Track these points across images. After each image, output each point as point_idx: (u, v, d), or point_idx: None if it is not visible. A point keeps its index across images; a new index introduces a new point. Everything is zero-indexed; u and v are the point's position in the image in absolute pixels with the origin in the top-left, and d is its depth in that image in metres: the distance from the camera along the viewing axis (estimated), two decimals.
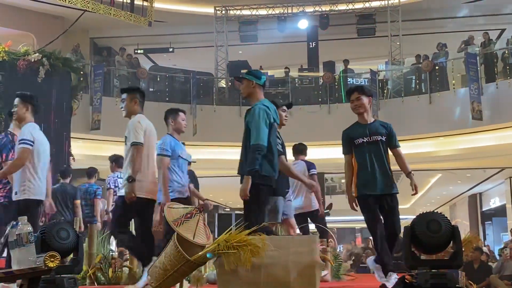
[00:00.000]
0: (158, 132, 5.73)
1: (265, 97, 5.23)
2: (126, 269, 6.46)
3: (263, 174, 4.84)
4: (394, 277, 4.89)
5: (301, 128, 14.06)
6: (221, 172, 18.61)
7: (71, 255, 3.95)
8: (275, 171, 4.99)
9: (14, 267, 2.64)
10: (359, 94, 5.40)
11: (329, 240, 8.30)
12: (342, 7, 18.11)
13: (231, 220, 18.21)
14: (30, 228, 2.68)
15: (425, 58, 16.72)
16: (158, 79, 18.23)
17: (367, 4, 17.99)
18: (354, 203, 5.34)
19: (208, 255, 3.70)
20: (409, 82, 17.17)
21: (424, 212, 3.91)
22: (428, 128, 15.80)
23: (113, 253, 7.27)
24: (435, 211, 3.95)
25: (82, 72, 13.44)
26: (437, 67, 16.44)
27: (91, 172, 9.95)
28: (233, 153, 16.64)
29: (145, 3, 13.93)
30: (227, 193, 24.16)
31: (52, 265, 2.52)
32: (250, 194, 4.74)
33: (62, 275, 3.90)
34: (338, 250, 7.06)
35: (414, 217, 3.92)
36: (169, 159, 5.97)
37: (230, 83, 18.02)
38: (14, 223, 2.72)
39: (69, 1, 12.14)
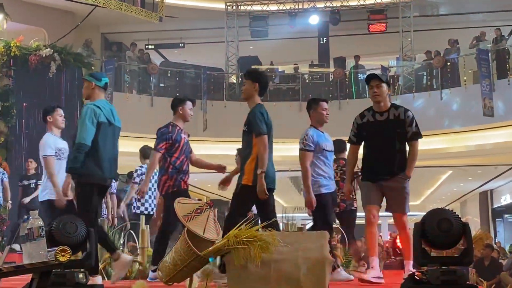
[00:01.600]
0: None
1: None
2: (136, 264, 6.49)
3: (87, 173, 4.98)
4: None
5: None
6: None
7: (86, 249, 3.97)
8: (103, 170, 5.07)
9: (26, 261, 2.66)
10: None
11: (339, 236, 8.30)
12: (353, 2, 18.03)
13: None
14: (41, 223, 2.69)
15: (437, 54, 16.63)
16: (169, 75, 18.26)
17: (378, 0, 17.91)
18: None
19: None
20: (420, 78, 17.10)
21: (435, 208, 3.90)
22: (439, 124, 15.72)
23: (123, 248, 7.31)
24: (446, 207, 3.94)
25: (93, 67, 13.50)
26: (448, 63, 16.35)
27: None
28: None
29: None
30: None
31: (63, 259, 2.53)
32: (77, 192, 4.97)
33: (73, 269, 3.93)
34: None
35: (425, 213, 3.92)
36: (311, 153, 5.84)
37: (240, 79, 18.01)
38: (26, 217, 2.73)
39: None
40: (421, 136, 5.29)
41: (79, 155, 4.94)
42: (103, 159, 5.07)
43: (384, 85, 5.28)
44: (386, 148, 5.22)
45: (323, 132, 6.07)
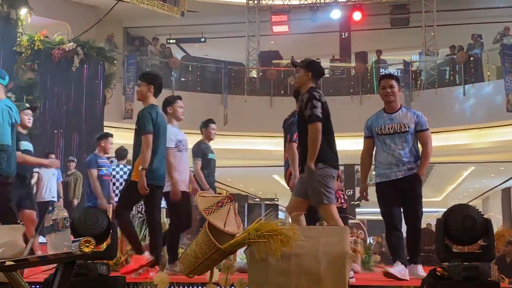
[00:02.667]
0: (190, 120, 5.79)
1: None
2: None
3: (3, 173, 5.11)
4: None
5: (333, 120, 13.98)
6: (251, 162, 18.66)
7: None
8: (12, 168, 5.23)
9: (50, 251, 2.70)
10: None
11: (359, 231, 8.29)
12: None
13: (261, 210, 18.31)
14: (66, 214, 2.73)
15: (460, 49, 16.49)
16: (190, 69, 18.31)
17: None
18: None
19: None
20: (443, 73, 16.95)
21: (457, 204, 3.89)
22: (462, 120, 15.59)
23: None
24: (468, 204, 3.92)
25: (115, 62, 13.60)
26: (471, 58, 16.19)
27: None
28: (264, 143, 16.66)
29: None
30: (257, 183, 24.24)
31: (87, 250, 2.57)
32: None
33: (95, 261, 3.98)
34: (368, 242, 7.06)
35: (446, 209, 3.90)
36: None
37: (261, 74, 18.00)
38: (51, 208, 2.77)
39: None
40: (313, 119, 4.64)
41: (5, 156, 5.07)
42: (13, 158, 5.25)
43: (302, 70, 4.96)
44: (300, 139, 4.87)
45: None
